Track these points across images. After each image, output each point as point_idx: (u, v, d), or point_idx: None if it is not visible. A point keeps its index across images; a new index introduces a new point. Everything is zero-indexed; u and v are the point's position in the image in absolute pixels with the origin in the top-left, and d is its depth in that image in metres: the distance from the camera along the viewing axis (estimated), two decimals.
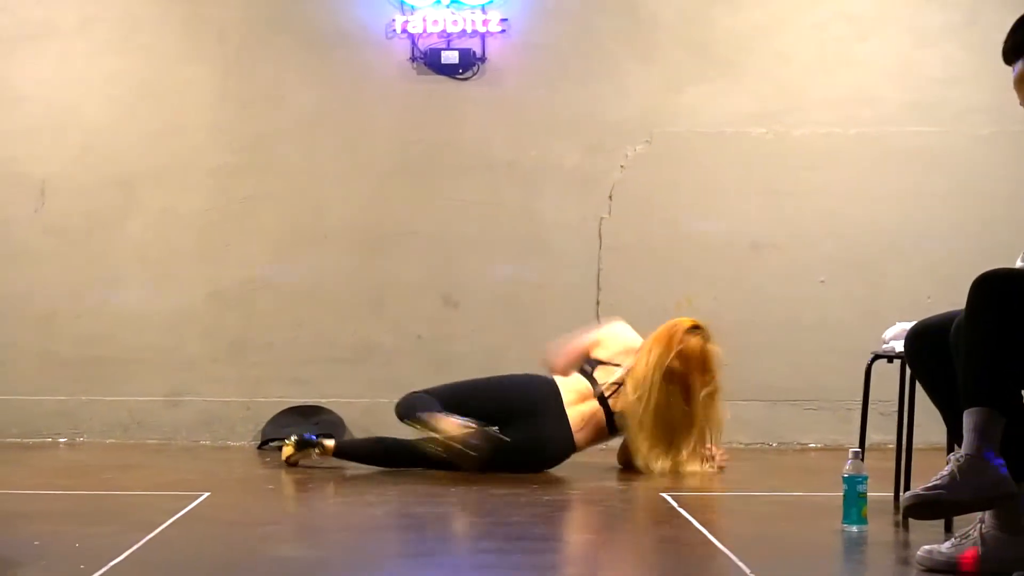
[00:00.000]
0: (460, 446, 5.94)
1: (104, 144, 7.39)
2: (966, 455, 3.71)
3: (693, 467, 6.10)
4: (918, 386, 4.47)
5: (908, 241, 7.34)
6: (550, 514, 5.04)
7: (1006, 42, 4.07)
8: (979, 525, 3.87)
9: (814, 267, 7.35)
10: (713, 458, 6.19)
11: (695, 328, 6.21)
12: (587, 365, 6.30)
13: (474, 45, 7.35)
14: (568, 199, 7.37)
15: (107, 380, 7.33)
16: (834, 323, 7.28)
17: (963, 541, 3.87)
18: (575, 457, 6.19)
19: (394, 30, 7.34)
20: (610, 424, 6.19)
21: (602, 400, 6.18)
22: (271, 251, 7.37)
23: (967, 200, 7.33)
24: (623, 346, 6.31)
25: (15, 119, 7.37)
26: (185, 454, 6.92)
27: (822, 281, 7.34)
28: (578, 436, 6.13)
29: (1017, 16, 4.05)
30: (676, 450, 6.12)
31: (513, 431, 6.03)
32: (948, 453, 4.00)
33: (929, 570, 3.85)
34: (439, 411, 6.04)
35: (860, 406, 5.34)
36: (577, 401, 6.17)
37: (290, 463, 6.24)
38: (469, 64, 7.35)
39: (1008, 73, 4.10)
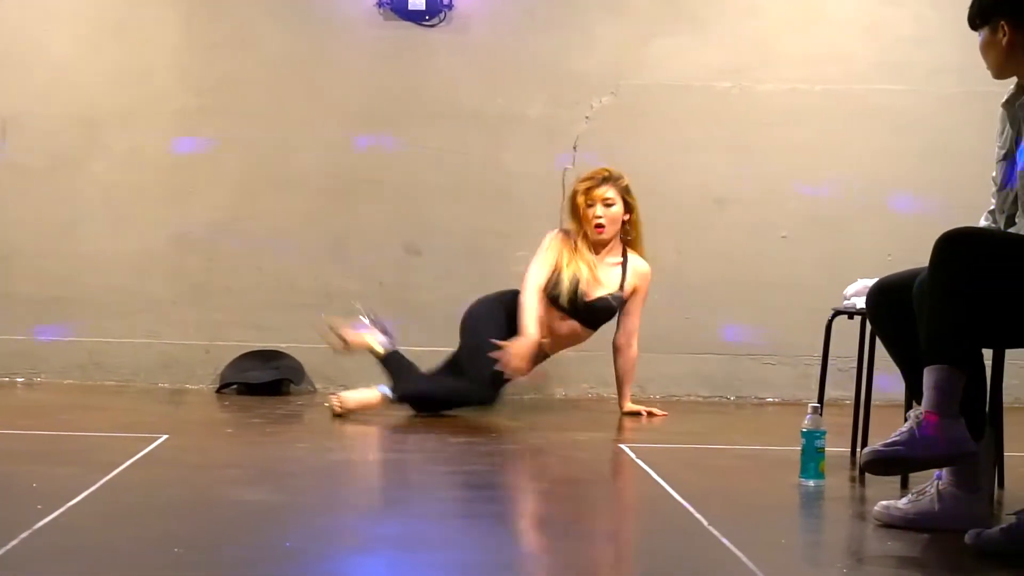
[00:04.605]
0: None
1: (68, 83, 7.32)
2: (926, 412, 3.73)
3: None
4: (878, 343, 4.51)
5: (872, 199, 7.35)
6: (509, 463, 5.06)
7: (971, 8, 4.09)
8: (936, 482, 3.91)
9: (778, 223, 7.36)
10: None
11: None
12: None
13: None
14: (533, 149, 7.35)
15: (66, 320, 7.29)
16: (796, 279, 7.30)
17: (920, 498, 3.91)
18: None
19: None
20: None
21: None
22: (235, 195, 7.33)
23: (933, 160, 7.35)
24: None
25: None
26: (144, 396, 6.90)
27: (784, 236, 7.35)
28: None
29: None
30: None
31: None
32: (907, 410, 4.03)
33: (885, 525, 3.89)
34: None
35: (820, 362, 5.38)
36: None
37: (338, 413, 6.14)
38: (436, 10, 7.30)
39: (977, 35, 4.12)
